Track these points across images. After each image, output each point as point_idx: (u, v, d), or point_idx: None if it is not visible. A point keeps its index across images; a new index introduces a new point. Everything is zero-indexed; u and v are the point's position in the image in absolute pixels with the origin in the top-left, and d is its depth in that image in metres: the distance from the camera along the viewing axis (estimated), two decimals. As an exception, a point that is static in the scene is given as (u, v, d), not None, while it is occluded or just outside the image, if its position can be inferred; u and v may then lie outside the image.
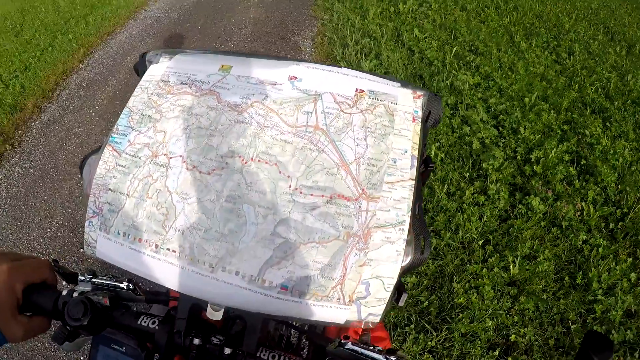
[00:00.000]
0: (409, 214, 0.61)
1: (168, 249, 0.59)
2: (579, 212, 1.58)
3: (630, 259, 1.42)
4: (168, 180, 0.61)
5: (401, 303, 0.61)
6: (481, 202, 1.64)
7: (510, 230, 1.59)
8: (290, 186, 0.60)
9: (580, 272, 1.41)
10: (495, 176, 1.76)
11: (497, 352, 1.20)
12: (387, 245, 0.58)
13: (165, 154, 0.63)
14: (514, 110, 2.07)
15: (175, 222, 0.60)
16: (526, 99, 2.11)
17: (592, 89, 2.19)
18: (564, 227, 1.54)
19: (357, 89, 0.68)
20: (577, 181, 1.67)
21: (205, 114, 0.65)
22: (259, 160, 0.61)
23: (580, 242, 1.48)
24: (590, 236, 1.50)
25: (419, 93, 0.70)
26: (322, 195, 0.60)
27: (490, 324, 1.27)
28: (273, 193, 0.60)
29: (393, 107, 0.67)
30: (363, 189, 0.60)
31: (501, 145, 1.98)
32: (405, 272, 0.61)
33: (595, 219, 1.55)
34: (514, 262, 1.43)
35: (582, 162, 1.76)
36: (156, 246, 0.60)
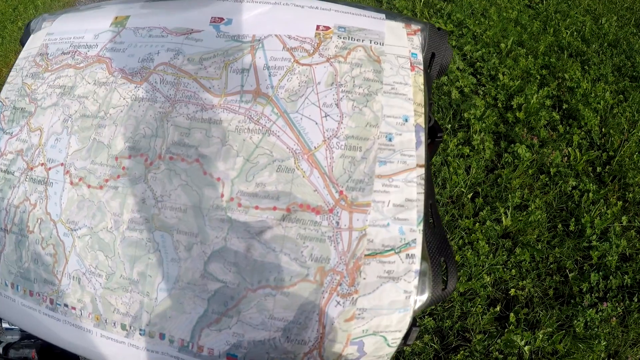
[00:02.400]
0: (421, 226, 0.31)
1: (66, 306, 0.36)
2: (565, 158, 1.42)
3: (620, 202, 1.26)
4: (49, 204, 0.36)
5: (410, 341, 0.34)
6: (466, 154, 1.47)
7: (498, 180, 1.43)
8: (222, 195, 0.32)
9: (573, 219, 1.24)
10: (478, 126, 1.53)
11: (497, 308, 1.04)
12: (388, 283, 0.30)
13: (42, 164, 0.37)
14: (490, 56, 1.82)
15: (66, 265, 0.35)
16: (502, 45, 1.85)
17: (567, 32, 1.93)
18: (552, 173, 1.36)
19: (319, 26, 0.36)
20: (560, 126, 1.49)
21: (91, 95, 0.37)
22: (170, 158, 0.33)
23: (570, 188, 1.30)
24: (579, 181, 1.33)
25: (414, 27, 0.37)
26: (275, 208, 0.31)
27: (488, 280, 1.11)
28: (197, 209, 0.32)
29: (378, 50, 0.35)
30: (341, 191, 0.31)
31: (481, 93, 1.72)
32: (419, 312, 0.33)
33: (582, 164, 1.38)
34: (505, 213, 1.27)
35: (564, 107, 1.57)
36: (51, 302, 0.36)
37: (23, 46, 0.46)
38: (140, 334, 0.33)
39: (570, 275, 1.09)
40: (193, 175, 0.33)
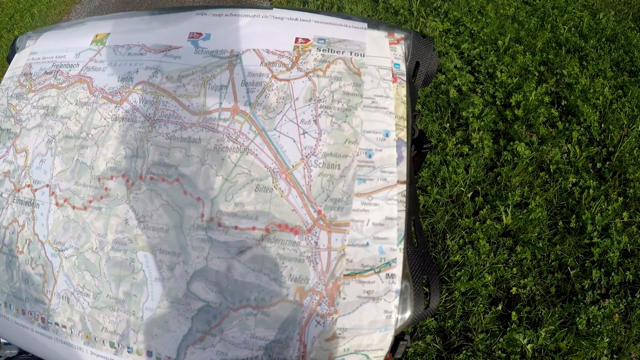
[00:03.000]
0: (402, 244, 0.30)
1: (57, 324, 0.35)
2: (565, 155, 1.35)
3: (621, 198, 1.20)
4: (37, 225, 0.35)
5: (399, 355, 0.33)
6: (465, 153, 1.42)
7: (498, 178, 1.39)
8: (202, 215, 0.31)
9: (574, 216, 1.18)
10: (477, 124, 1.48)
11: (499, 307, 1.00)
12: (368, 303, 0.29)
13: (28, 185, 0.36)
14: (488, 54, 1.74)
15: (55, 285, 0.35)
16: (499, 42, 1.78)
17: (565, 28, 1.82)
18: (552, 170, 1.30)
19: (297, 39, 0.34)
20: (560, 123, 1.42)
21: (73, 115, 0.36)
22: (151, 178, 0.32)
23: (570, 185, 1.24)
24: (579, 178, 1.27)
25: (397, 36, 0.35)
26: (254, 228, 0.30)
27: (489, 279, 1.07)
28: (179, 229, 0.31)
29: (359, 62, 0.33)
30: (319, 211, 0.30)
31: (479, 91, 1.66)
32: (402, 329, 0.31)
33: (582, 160, 1.32)
34: (505, 211, 1.21)
35: (563, 103, 1.49)
36: (43, 320, 0.36)
37: (9, 64, 0.45)
38: (128, 352, 0.33)
39: (571, 272, 1.05)
40: (174, 195, 0.31)
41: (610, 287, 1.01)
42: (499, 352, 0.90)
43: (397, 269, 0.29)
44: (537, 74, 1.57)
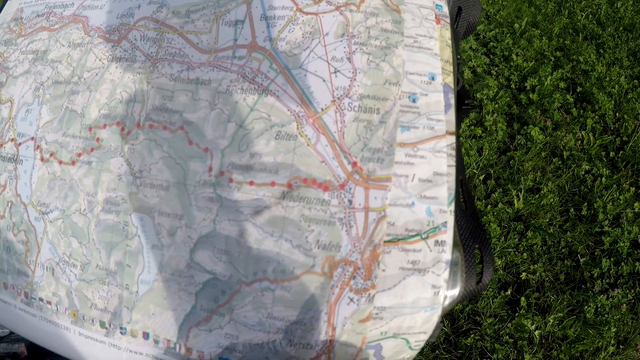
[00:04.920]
0: (452, 206, 0.21)
1: (41, 300, 0.26)
2: (579, 142, 1.22)
3: (633, 188, 1.06)
4: (19, 184, 0.26)
5: (433, 338, 0.24)
6: (479, 135, 1.28)
7: (511, 162, 1.22)
8: (210, 169, 0.22)
9: (585, 203, 1.04)
10: (491, 106, 1.35)
11: (508, 292, 0.90)
12: (413, 277, 0.20)
13: (12, 139, 0.27)
14: (504, 37, 1.59)
15: (39, 254, 0.26)
16: (516, 25, 1.60)
17: (582, 15, 1.66)
18: (565, 157, 1.16)
19: (330, -35, 0.25)
20: (574, 109, 1.26)
21: (65, 58, 0.27)
22: (150, 125, 0.23)
23: (583, 172, 1.10)
24: (592, 166, 1.12)
25: None
26: (273, 183, 0.21)
27: (499, 263, 0.97)
28: (182, 186, 0.23)
29: None
30: (354, 163, 0.21)
31: (494, 73, 1.52)
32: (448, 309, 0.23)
33: (595, 148, 1.16)
34: (517, 196, 1.08)
35: (578, 90, 1.34)
36: (26, 295, 0.27)
37: None
38: (121, 333, 0.24)
39: (581, 260, 0.94)
40: (177, 146, 0.23)
41: (619, 277, 0.90)
42: (507, 337, 0.80)
43: (448, 235, 0.20)
44: (553, 59, 1.40)
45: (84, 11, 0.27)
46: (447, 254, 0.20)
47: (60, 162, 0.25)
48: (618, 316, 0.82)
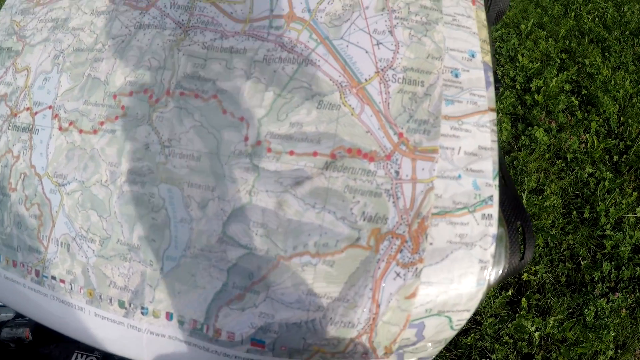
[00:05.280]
0: (497, 180, 0.20)
1: (53, 278, 0.24)
2: (583, 144, 1.18)
3: (636, 193, 1.05)
4: (34, 155, 0.24)
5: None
6: None
7: (514, 162, 1.19)
8: (246, 138, 0.21)
9: (588, 206, 1.03)
10: (496, 106, 1.33)
11: (509, 292, 0.89)
12: (460, 250, 0.19)
13: (28, 108, 0.25)
14: (510, 37, 1.56)
15: (53, 229, 0.24)
16: (522, 26, 1.56)
17: (589, 17, 1.64)
18: (569, 159, 1.13)
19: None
20: (579, 112, 1.23)
21: (87, 26, 0.25)
22: (181, 93, 0.22)
23: (586, 175, 1.08)
24: (596, 169, 1.10)
25: None
26: (315, 153, 0.20)
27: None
28: (214, 156, 0.21)
29: None
30: (400, 134, 0.20)
31: (499, 74, 1.52)
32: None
33: (599, 151, 1.14)
34: (521, 196, 1.08)
35: (583, 92, 1.31)
36: (37, 273, 0.25)
37: None
38: (142, 313, 0.22)
39: (582, 263, 0.92)
40: (209, 115, 0.21)
41: (620, 282, 0.88)
42: (507, 337, 0.79)
43: (494, 209, 0.19)
44: (558, 61, 1.37)
45: (109, -22, 0.25)
46: (494, 228, 0.19)
47: (81, 131, 0.23)
48: (617, 320, 0.80)
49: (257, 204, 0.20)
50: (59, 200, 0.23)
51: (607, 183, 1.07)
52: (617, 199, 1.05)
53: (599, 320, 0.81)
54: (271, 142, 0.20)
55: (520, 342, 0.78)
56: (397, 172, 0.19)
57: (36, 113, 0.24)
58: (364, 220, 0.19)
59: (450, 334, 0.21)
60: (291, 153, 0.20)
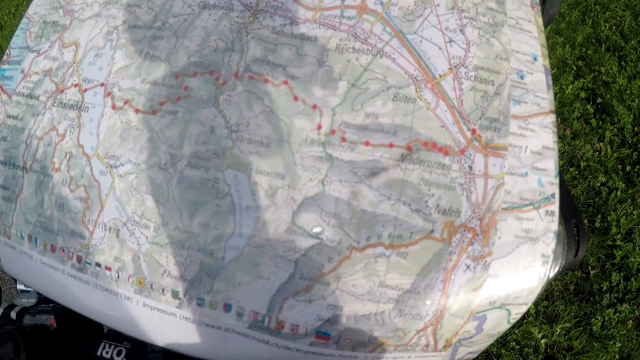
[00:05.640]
0: (558, 179, 0.21)
1: (98, 265, 0.22)
2: (596, 153, 1.15)
3: None
4: (82, 134, 0.23)
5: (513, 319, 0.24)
6: None
7: None
8: (320, 127, 0.20)
9: (599, 215, 1.01)
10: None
11: None
12: (525, 245, 0.19)
13: (76, 85, 0.23)
14: None
15: (101, 213, 0.22)
16: None
17: (606, 25, 1.58)
18: (582, 167, 1.12)
19: (431, -59, 0.25)
20: (593, 120, 1.21)
21: (145, 2, 0.23)
22: (250, 77, 0.21)
23: (599, 184, 1.06)
24: (608, 178, 1.08)
25: None
26: (391, 145, 0.20)
27: None
28: (285, 143, 0.20)
29: None
30: (473, 130, 0.20)
31: None
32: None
33: (612, 161, 1.12)
34: None
35: (598, 101, 1.28)
36: (79, 259, 0.23)
37: None
38: (198, 304, 0.21)
39: (592, 272, 0.91)
40: (280, 101, 0.20)
41: (628, 292, 0.87)
42: (513, 343, 0.78)
43: (556, 206, 0.20)
44: (574, 68, 1.34)
45: (167, -45, 0.24)
46: (556, 225, 0.20)
47: (137, 111, 0.21)
48: (624, 332, 0.80)
49: (330, 194, 0.19)
50: (109, 182, 0.22)
51: (619, 193, 1.05)
52: (629, 210, 1.03)
53: (605, 330, 0.81)
54: (345, 131, 0.20)
55: (526, 349, 0.78)
56: (470, 167, 0.19)
57: (86, 90, 0.23)
58: (438, 212, 0.19)
59: (505, 327, 0.21)
60: (366, 144, 0.20)
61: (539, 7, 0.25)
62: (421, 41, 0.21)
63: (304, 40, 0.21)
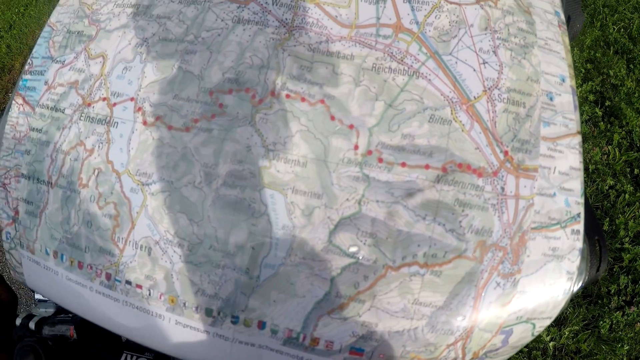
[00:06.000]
0: (583, 198, 0.21)
1: (128, 283, 0.22)
2: (605, 156, 1.14)
3: None
4: (112, 150, 0.22)
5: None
6: None
7: None
8: (356, 147, 0.20)
9: (607, 219, 1.01)
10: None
11: None
12: (552, 263, 0.20)
13: (104, 98, 0.23)
14: None
15: (132, 231, 0.22)
16: None
17: (614, 28, 1.52)
18: (590, 170, 1.11)
19: (459, -40, 0.25)
20: (602, 123, 1.20)
21: (176, 14, 0.23)
22: (287, 96, 0.21)
23: (607, 187, 1.06)
24: (617, 181, 1.08)
25: None
26: (427, 166, 0.20)
27: None
28: (321, 163, 0.21)
29: (526, 1, 0.24)
30: (506, 152, 0.20)
31: None
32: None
33: (620, 164, 1.11)
34: None
35: (606, 104, 1.27)
36: (108, 277, 0.23)
37: None
38: (232, 322, 0.21)
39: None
40: (317, 120, 0.20)
41: (636, 295, 0.87)
42: None
43: (581, 225, 0.21)
44: (583, 70, 1.32)
45: (196, -34, 0.24)
46: (580, 243, 0.21)
47: (170, 127, 0.21)
48: (632, 334, 0.79)
49: (367, 214, 0.20)
50: (140, 200, 0.21)
51: (627, 196, 1.04)
52: (637, 213, 1.02)
53: (613, 333, 0.80)
54: (382, 152, 0.20)
55: (534, 352, 0.77)
56: (502, 188, 0.20)
57: (115, 104, 0.22)
58: (471, 232, 0.20)
59: (529, 339, 0.22)
60: (403, 165, 0.20)
61: (565, 26, 0.26)
62: (456, 62, 0.21)
63: (340, 58, 0.21)
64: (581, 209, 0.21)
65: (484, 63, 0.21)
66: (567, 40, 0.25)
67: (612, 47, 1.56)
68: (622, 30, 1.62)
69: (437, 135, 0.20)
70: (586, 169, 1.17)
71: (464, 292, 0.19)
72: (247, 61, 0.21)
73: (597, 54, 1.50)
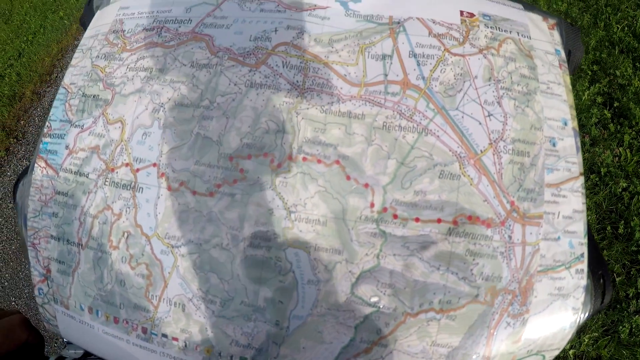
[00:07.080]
0: (586, 239, 0.23)
1: (164, 336, 0.24)
2: (616, 158, 1.11)
3: None
4: (140, 214, 0.23)
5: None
6: None
7: None
8: (372, 205, 0.22)
9: (622, 221, 0.98)
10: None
11: None
12: (558, 301, 0.22)
13: (127, 164, 0.24)
14: None
15: (165, 290, 0.23)
16: None
17: (618, 27, 1.46)
18: (602, 173, 1.09)
19: (462, 12, 0.25)
20: (611, 124, 1.17)
21: (189, 79, 0.24)
22: (304, 159, 0.22)
23: (620, 190, 1.03)
24: (630, 183, 1.05)
25: (551, 21, 0.27)
26: (439, 220, 0.21)
27: None
28: (340, 221, 0.22)
29: (527, 44, 0.25)
30: (512, 202, 0.22)
31: None
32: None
33: (632, 165, 1.08)
34: None
35: (615, 105, 1.24)
36: (144, 330, 0.24)
37: (84, 27, 0.30)
38: (265, 367, 0.22)
39: (617, 279, 0.88)
40: (333, 180, 0.21)
41: None
42: None
43: (585, 264, 0.22)
44: (590, 72, 1.29)
45: (206, 29, 0.24)
46: (584, 281, 0.22)
47: (194, 193, 0.22)
48: None
49: (385, 267, 0.21)
50: (171, 261, 0.22)
51: None
52: None
53: (633, 337, 0.78)
54: (397, 209, 0.21)
55: None
56: (509, 237, 0.21)
57: (138, 170, 0.23)
58: (482, 279, 0.21)
59: None
60: (417, 220, 0.21)
61: (566, 64, 0.26)
62: (462, 117, 0.22)
63: (352, 118, 0.22)
64: (584, 249, 0.23)
65: (489, 115, 0.22)
66: (568, 79, 0.25)
67: (617, 47, 1.47)
68: (626, 28, 1.54)
69: (447, 190, 0.21)
70: (598, 173, 1.11)
71: (477, 332, 0.21)
72: (263, 126, 0.22)
73: (602, 55, 1.43)
